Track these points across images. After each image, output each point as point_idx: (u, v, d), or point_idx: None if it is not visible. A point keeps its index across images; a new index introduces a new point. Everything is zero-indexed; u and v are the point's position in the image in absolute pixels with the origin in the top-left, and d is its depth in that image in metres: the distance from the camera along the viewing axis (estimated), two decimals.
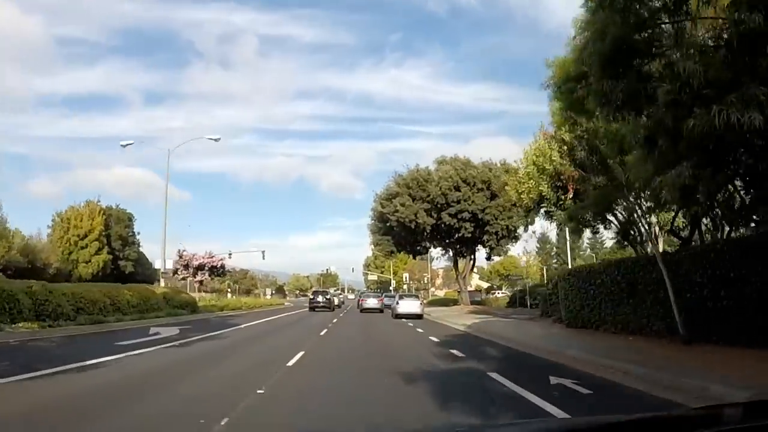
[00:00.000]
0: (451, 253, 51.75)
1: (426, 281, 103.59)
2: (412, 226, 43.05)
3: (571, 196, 21.29)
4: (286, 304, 72.37)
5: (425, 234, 45.29)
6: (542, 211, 25.14)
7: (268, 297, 79.96)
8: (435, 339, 19.13)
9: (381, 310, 45.93)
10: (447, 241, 47.22)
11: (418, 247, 52.02)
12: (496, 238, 45.57)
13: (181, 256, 42.62)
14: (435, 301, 71.33)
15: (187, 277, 41.78)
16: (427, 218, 43.24)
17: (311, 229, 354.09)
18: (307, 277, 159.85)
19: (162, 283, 35.55)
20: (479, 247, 48.65)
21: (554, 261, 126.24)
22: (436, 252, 54.20)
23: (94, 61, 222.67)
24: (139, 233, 76.49)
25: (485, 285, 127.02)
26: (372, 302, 46.34)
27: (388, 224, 44.48)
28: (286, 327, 26.83)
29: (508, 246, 47.22)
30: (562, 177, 21.79)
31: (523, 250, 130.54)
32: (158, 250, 41.23)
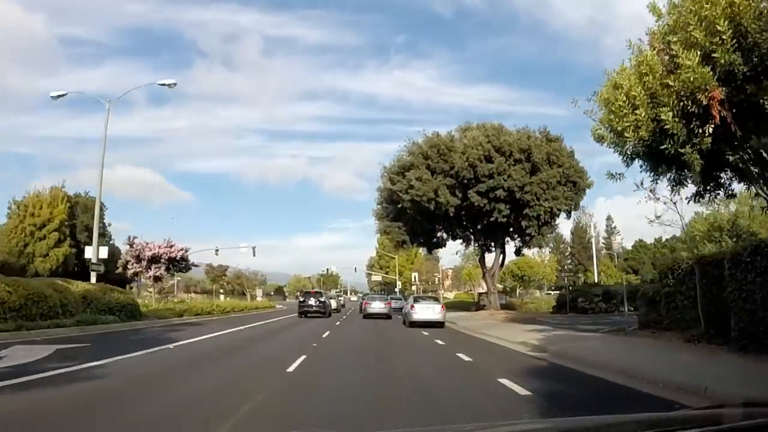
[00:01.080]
0: (474, 247, 41.82)
1: (437, 281, 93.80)
2: (431, 208, 33.20)
3: (713, 127, 11.46)
4: (278, 306, 62.58)
5: (447, 218, 35.42)
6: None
7: (259, 299, 70.17)
8: (510, 384, 9.08)
9: (388, 316, 36.44)
10: (473, 229, 37.33)
11: (435, 239, 42.18)
12: (537, 224, 35.71)
13: (131, 245, 32.93)
14: (449, 305, 61.42)
15: (140, 271, 32.15)
16: (451, 197, 33.40)
17: (315, 230, 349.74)
18: (309, 278, 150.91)
19: (93, 279, 25.83)
20: (512, 237, 38.79)
21: (568, 261, 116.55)
22: (454, 246, 44.28)
23: (100, 62, 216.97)
24: (110, 224, 67.13)
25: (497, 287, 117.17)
26: (378, 306, 36.72)
27: (399, 206, 34.68)
28: (250, 346, 17.09)
29: (549, 235, 37.26)
30: (697, 96, 11.96)
31: (537, 251, 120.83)
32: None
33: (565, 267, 59.50)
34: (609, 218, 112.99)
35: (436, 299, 31.14)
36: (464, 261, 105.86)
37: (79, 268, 63.56)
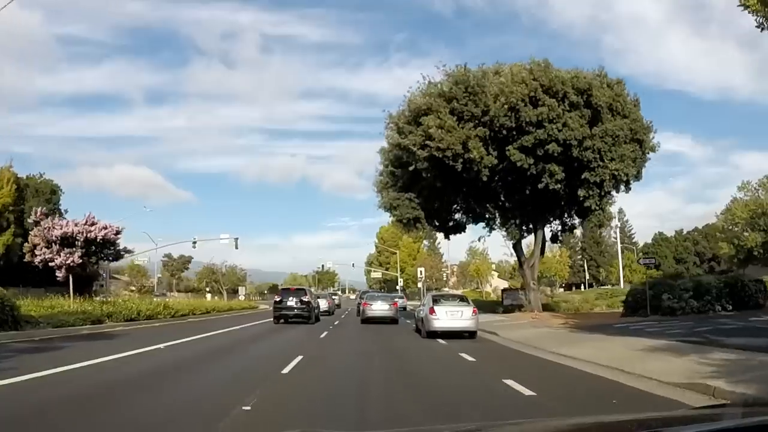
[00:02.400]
0: (506, 228, 32.28)
1: (445, 277, 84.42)
2: (458, 167, 23.43)
3: None
4: (262, 307, 52.91)
5: (476, 187, 25.71)
6: None
7: (241, 298, 60.48)
8: None
9: (395, 320, 27.23)
10: (511, 201, 27.59)
11: (453, 221, 32.51)
12: (598, 195, 26.13)
13: (37, 223, 23.30)
14: None
15: (51, 258, 22.60)
16: (486, 156, 23.76)
17: (314, 229, 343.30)
18: (306, 276, 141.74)
19: None
20: (563, 212, 29.16)
21: (578, 257, 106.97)
22: (473, 229, 34.85)
23: (99, 61, 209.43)
24: (66, 211, 57.53)
25: (504, 284, 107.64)
26: (381, 307, 27.38)
27: (412, 168, 24.95)
28: (129, 394, 7.46)
29: (610, 210, 27.60)
30: None
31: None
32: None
33: (643, 253, 49.84)
34: (621, 211, 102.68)
35: (464, 299, 21.59)
36: (470, 255, 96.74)
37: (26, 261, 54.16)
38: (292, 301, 26.17)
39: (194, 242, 60.59)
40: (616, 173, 25.45)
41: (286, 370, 10.10)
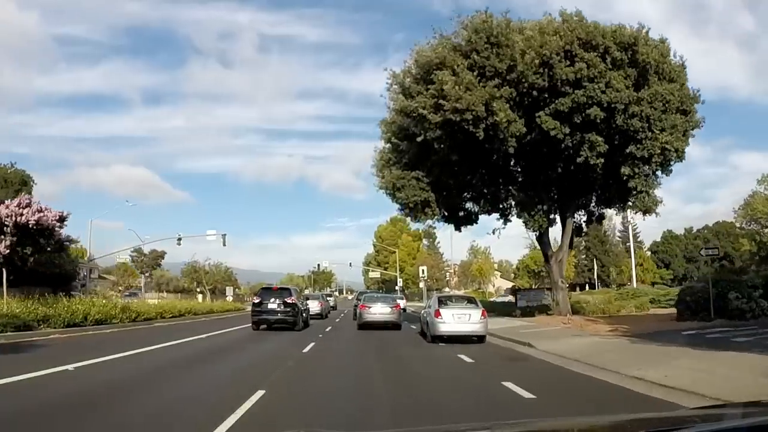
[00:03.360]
0: (523, 220, 27.75)
1: (448, 277, 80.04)
2: (479, 134, 18.68)
3: None
4: (249, 309, 48.12)
5: (497, 163, 21.05)
6: None
7: (229, 299, 55.70)
8: None
9: (397, 325, 22.86)
10: (539, 181, 22.83)
11: (464, 211, 27.83)
12: (645, 174, 21.59)
13: None
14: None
15: None
16: (514, 121, 19.13)
17: (312, 229, 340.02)
18: (303, 276, 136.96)
19: None
20: (603, 195, 24.44)
21: (583, 257, 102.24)
22: (487, 219, 30.37)
23: (97, 61, 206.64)
24: (39, 203, 52.51)
25: (506, 284, 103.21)
26: (381, 310, 22.81)
27: (421, 139, 20.13)
28: None
29: (655, 194, 22.99)
30: None
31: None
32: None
33: (704, 246, 45.72)
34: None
35: (473, 300, 19.51)
36: (472, 254, 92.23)
37: None
38: (273, 304, 21.57)
39: (179, 239, 55.91)
40: (666, 147, 20.89)
41: (252, 401, 5.57)
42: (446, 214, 28.31)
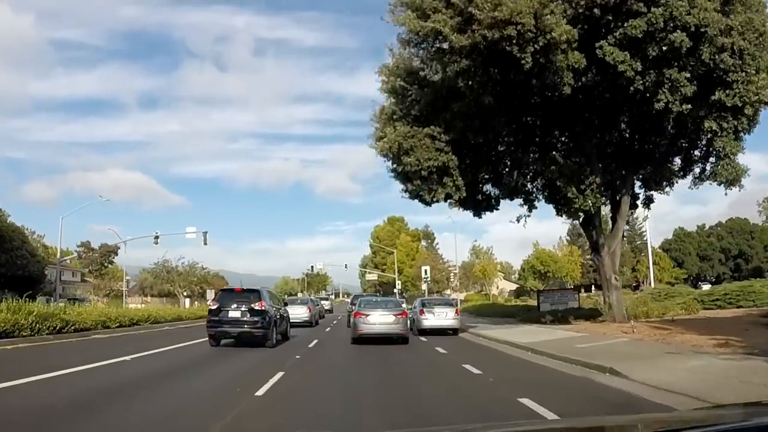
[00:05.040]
0: (561, 194, 22.18)
1: (452, 277, 74.58)
2: (525, 60, 12.89)
3: None
4: None
5: (545, 109, 15.30)
6: None
7: (210, 302, 49.55)
8: None
9: (404, 338, 17.45)
10: (587, 144, 17.04)
11: (481, 195, 21.95)
12: (731, 131, 16.06)
13: None
14: (482, 310, 41.70)
15: None
16: (574, 43, 13.45)
17: (309, 233, 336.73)
18: (298, 280, 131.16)
19: None
20: (655, 169, 18.60)
21: (588, 256, 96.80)
22: (508, 205, 24.65)
23: (94, 65, 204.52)
24: None
25: (510, 286, 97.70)
26: (383, 319, 17.33)
27: (438, 76, 14.39)
28: None
29: (740, 163, 17.33)
30: None
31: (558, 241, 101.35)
32: None
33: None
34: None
35: (449, 302, 24.55)
36: (473, 255, 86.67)
37: None
38: (236, 311, 15.88)
39: (156, 237, 50.31)
40: (760, 94, 15.40)
41: None
42: (462, 196, 22.43)
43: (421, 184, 16.45)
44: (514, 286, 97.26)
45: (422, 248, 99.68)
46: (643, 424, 2.21)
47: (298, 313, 27.40)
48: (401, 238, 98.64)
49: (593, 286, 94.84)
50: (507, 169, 20.65)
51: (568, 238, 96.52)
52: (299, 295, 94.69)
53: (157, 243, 50.49)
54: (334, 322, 33.11)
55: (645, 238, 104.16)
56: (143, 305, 47.54)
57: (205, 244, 48.56)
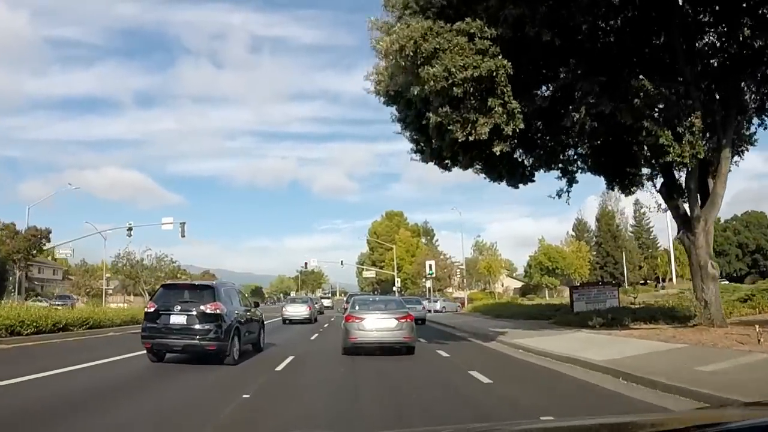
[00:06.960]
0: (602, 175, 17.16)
1: (458, 274, 69.41)
2: None
3: None
4: None
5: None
6: None
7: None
8: None
9: (410, 348, 13.04)
10: (693, 62, 11.76)
11: (520, 167, 16.51)
12: None
13: None
14: (496, 310, 36.46)
15: None
16: None
17: (306, 231, 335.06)
18: (294, 278, 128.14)
19: None
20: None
21: (594, 253, 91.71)
22: (546, 177, 19.11)
23: (90, 63, 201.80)
24: None
25: (515, 284, 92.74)
26: (382, 324, 12.78)
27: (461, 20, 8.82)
28: None
29: None
30: None
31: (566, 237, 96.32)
32: None
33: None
34: (637, 202, 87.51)
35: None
36: (476, 251, 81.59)
37: None
38: (181, 315, 10.78)
39: (129, 228, 45.03)
40: None
41: None
42: (520, 127, 16.12)
43: (450, 112, 10.76)
44: (518, 284, 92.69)
45: (422, 244, 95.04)
46: (644, 424, 2.13)
47: (299, 310, 30.21)
48: (400, 233, 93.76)
49: (600, 283, 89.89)
50: (549, 121, 15.23)
51: (574, 234, 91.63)
52: (292, 293, 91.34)
53: (130, 235, 45.21)
54: (326, 325, 28.06)
55: (652, 235, 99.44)
56: (126, 305, 42.11)
57: (183, 236, 43.33)
